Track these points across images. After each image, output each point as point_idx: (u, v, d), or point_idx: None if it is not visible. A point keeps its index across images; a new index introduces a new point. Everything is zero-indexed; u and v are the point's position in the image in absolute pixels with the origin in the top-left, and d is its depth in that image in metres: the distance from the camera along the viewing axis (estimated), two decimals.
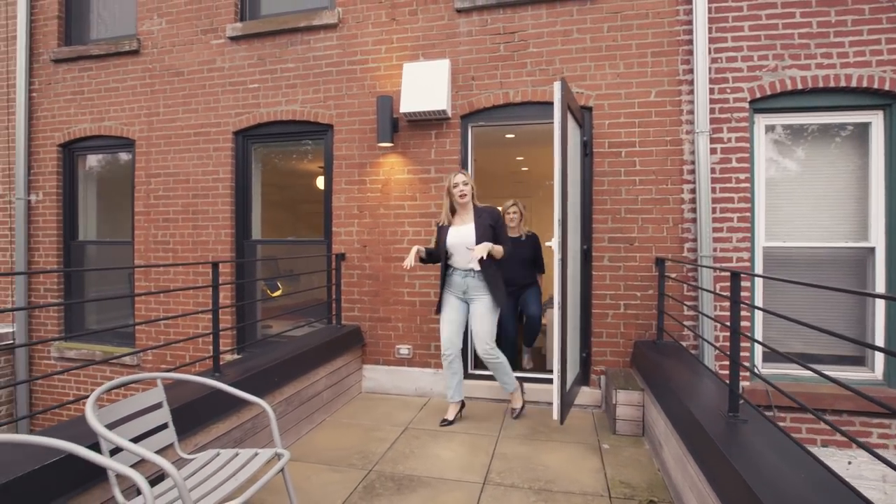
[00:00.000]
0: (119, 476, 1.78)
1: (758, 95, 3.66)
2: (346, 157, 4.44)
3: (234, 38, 4.70)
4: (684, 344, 3.69)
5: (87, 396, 2.19)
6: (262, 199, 4.97)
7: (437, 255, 3.44)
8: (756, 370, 3.67)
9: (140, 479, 1.50)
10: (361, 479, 2.76)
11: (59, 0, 5.26)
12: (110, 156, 5.39)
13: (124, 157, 5.26)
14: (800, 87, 3.59)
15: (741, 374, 3.46)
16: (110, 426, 1.89)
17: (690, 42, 3.70)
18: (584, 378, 3.92)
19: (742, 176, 3.66)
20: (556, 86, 3.05)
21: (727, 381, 2.26)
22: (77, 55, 5.13)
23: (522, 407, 3.71)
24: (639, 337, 3.83)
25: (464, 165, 4.22)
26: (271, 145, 4.91)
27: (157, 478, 2.04)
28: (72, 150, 5.33)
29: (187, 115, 4.85)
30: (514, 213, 4.50)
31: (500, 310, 3.43)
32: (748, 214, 3.65)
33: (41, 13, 5.28)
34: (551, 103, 3.52)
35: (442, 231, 3.42)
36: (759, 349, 3.73)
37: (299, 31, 4.53)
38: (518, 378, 4.19)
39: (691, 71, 3.71)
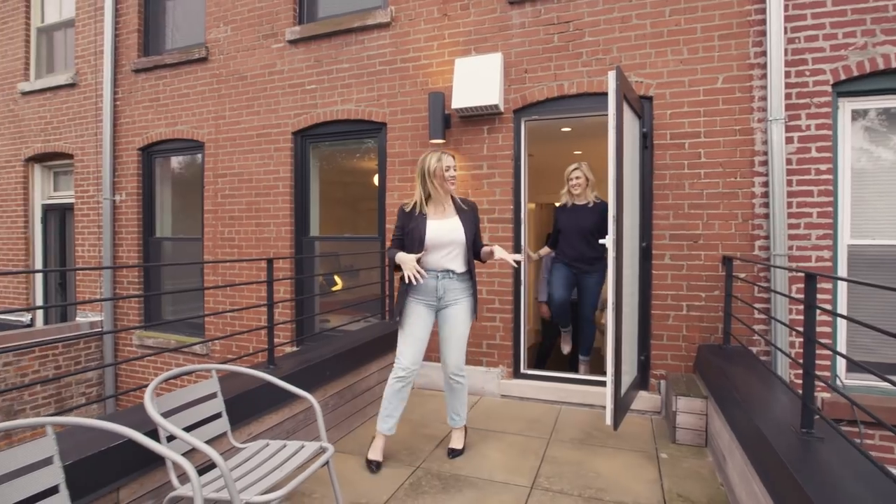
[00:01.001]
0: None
1: (842, 77, 3.30)
2: (398, 154, 4.48)
3: (292, 42, 4.86)
4: (754, 350, 3.41)
5: (199, 369, 2.35)
6: (320, 197, 5.13)
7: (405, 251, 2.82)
8: (838, 381, 3.34)
9: (188, 467, 1.57)
10: (408, 476, 2.77)
11: (139, 14, 5.68)
12: (183, 158, 5.76)
13: (195, 158, 5.60)
14: (894, 65, 3.20)
15: (820, 384, 3.19)
16: (169, 413, 2.01)
17: (763, 22, 3.40)
18: (642, 382, 3.73)
19: (823, 167, 3.33)
20: (611, 75, 2.91)
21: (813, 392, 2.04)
22: (154, 64, 5.52)
23: (462, 449, 3.05)
24: (703, 341, 3.59)
25: (517, 160, 4.13)
26: (328, 144, 5.05)
27: (211, 464, 2.14)
28: (150, 153, 5.74)
29: (250, 118, 5.08)
30: (578, 177, 4.09)
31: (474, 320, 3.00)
32: (830, 209, 3.32)
33: (124, 27, 5.72)
34: (607, 94, 3.38)
35: (416, 222, 2.79)
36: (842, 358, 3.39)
37: (354, 31, 4.61)
38: (570, 380, 4.08)
39: (764, 53, 3.41)
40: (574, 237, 4.10)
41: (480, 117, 4.16)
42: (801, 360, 2.10)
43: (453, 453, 3.01)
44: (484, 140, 4.18)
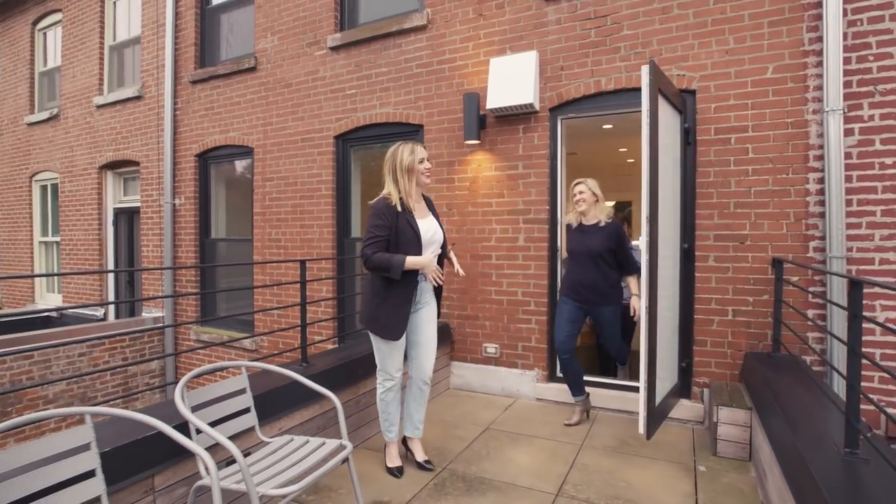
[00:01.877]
0: (210, 449, 1.98)
1: None
2: (435, 155, 4.50)
3: (334, 48, 5.00)
4: (807, 359, 3.17)
5: (229, 366, 2.49)
6: (361, 199, 5.25)
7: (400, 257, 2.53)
8: None
9: (208, 459, 1.67)
10: (434, 476, 2.79)
11: (195, 29, 6.04)
12: (235, 163, 6.07)
13: (245, 163, 5.88)
14: None
15: (885, 399, 2.93)
16: (201, 406, 2.13)
17: (819, 5, 3.15)
18: (683, 390, 3.56)
19: (889, 160, 3.03)
20: (644, 69, 2.79)
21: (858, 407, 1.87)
22: (208, 76, 5.85)
23: (428, 461, 2.89)
24: (750, 348, 3.37)
25: (553, 160, 4.05)
26: (368, 147, 5.15)
27: (243, 453, 2.25)
28: (206, 159, 6.09)
29: (295, 123, 5.28)
30: (582, 191, 3.42)
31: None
32: None
33: (182, 42, 6.10)
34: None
35: (403, 219, 2.56)
36: None
37: (391, 35, 4.68)
38: (607, 385, 3.96)
39: (820, 39, 3.15)
40: (584, 262, 3.41)
41: (516, 117, 4.11)
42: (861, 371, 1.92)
43: (429, 465, 2.86)
44: (519, 140, 4.13)
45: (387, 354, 2.71)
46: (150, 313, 6.40)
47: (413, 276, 2.62)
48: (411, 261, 2.52)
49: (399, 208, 2.57)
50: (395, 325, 2.60)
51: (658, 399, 3.04)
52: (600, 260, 3.38)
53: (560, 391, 3.93)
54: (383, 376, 2.77)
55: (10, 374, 4.96)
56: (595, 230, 3.44)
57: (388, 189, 2.63)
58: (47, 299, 7.97)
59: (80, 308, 7.12)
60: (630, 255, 3.48)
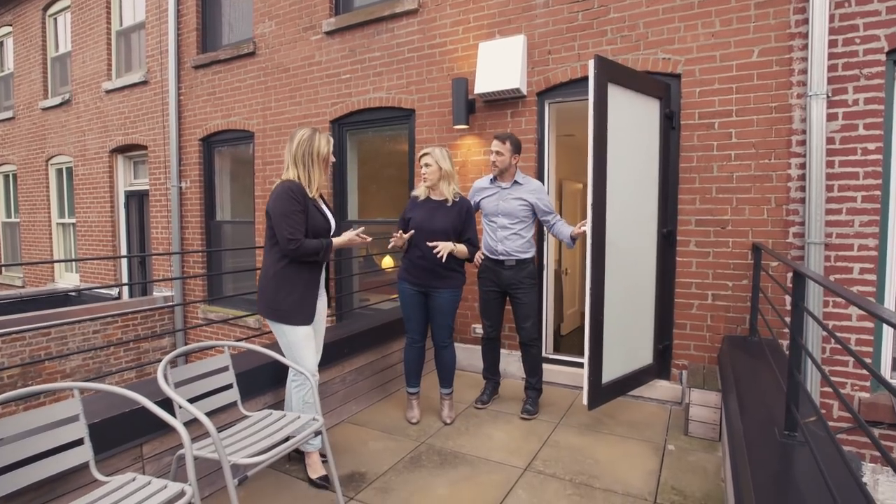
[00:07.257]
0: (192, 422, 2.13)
1: None
2: (426, 140, 4.56)
3: (329, 33, 5.05)
4: (785, 343, 3.22)
5: (214, 346, 2.63)
6: (358, 182, 5.34)
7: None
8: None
9: (182, 431, 1.82)
10: (412, 450, 2.94)
11: (197, 14, 6.12)
12: (236, 147, 6.20)
13: (247, 147, 6.01)
14: None
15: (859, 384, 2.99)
16: (185, 381, 2.29)
17: None
18: (662, 371, 3.64)
19: (871, 146, 3.01)
20: (591, 63, 2.87)
21: (832, 391, 1.94)
22: (210, 60, 5.95)
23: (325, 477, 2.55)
24: (729, 332, 3.43)
25: (540, 143, 4.09)
26: (362, 131, 5.23)
27: (225, 426, 2.41)
28: (209, 143, 6.24)
29: (293, 108, 5.37)
30: (428, 164, 3.09)
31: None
32: (878, 193, 3.01)
33: (185, 27, 6.20)
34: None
35: (314, 206, 2.53)
36: (888, 351, 3.12)
37: (384, 19, 4.70)
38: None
39: (806, 21, 3.11)
40: (426, 240, 3.07)
41: (504, 101, 4.14)
42: (845, 355, 1.98)
43: (325, 482, 2.53)
44: (507, 124, 4.16)
45: (303, 344, 2.49)
46: (161, 292, 6.65)
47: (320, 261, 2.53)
48: (338, 241, 2.52)
49: (310, 194, 2.45)
50: (307, 310, 2.49)
51: (613, 375, 3.21)
52: (444, 240, 3.08)
53: (546, 371, 4.03)
54: (297, 372, 2.48)
55: (29, 349, 5.26)
56: (442, 208, 3.15)
57: (295, 174, 2.45)
58: (66, 278, 8.31)
59: (97, 289, 7.41)
60: (476, 238, 3.24)
